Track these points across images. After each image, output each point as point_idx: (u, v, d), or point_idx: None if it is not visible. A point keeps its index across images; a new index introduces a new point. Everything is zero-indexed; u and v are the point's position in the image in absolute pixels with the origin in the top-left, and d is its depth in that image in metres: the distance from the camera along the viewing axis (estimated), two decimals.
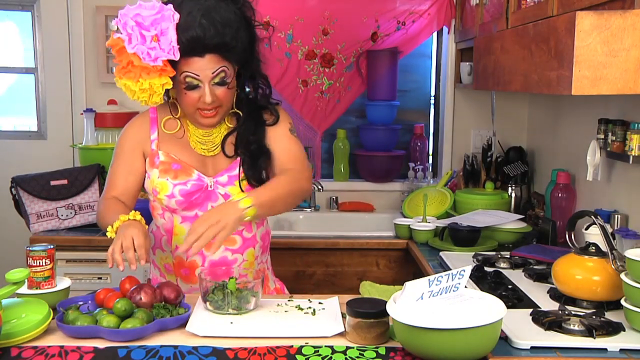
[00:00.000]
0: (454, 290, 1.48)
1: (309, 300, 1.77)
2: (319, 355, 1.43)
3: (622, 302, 1.57)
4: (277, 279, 2.07)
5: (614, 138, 2.21)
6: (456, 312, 1.39)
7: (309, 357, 1.42)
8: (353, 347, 1.47)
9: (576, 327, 1.54)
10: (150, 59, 1.66)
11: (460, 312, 1.39)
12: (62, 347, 1.45)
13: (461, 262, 2.25)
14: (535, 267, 2.20)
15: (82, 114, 3.24)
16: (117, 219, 1.67)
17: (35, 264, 1.66)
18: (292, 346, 1.46)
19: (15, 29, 3.56)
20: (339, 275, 2.88)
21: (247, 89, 1.87)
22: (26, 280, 1.61)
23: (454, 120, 3.45)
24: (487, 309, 1.41)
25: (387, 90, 3.42)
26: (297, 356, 1.43)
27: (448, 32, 3.40)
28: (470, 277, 1.89)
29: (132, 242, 1.59)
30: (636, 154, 2.06)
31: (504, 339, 1.51)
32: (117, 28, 1.69)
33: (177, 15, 1.67)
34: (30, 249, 1.68)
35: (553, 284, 1.86)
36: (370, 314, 1.48)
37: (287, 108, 3.34)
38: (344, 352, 1.45)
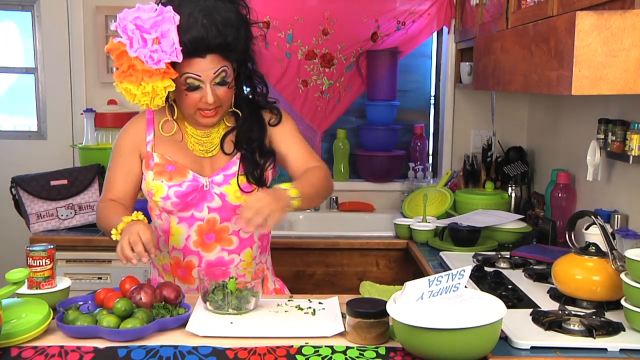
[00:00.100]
0: (454, 290, 1.48)
1: (309, 300, 1.77)
2: (319, 355, 1.43)
3: (622, 302, 1.57)
4: (278, 279, 2.07)
5: (614, 138, 2.21)
6: (456, 312, 1.39)
7: (309, 357, 1.42)
8: (353, 347, 1.47)
9: (576, 327, 1.54)
10: (153, 62, 1.65)
11: (460, 312, 1.39)
12: (62, 347, 1.45)
13: (461, 262, 2.25)
14: (535, 267, 2.20)
15: (82, 114, 3.25)
16: (119, 222, 1.67)
17: (35, 264, 1.66)
18: (292, 346, 1.46)
19: (15, 29, 3.56)
20: (339, 275, 2.89)
21: (247, 88, 1.87)
22: (26, 280, 1.61)
23: (454, 120, 3.45)
24: (487, 309, 1.41)
25: (387, 90, 3.42)
26: (297, 356, 1.43)
27: (448, 32, 3.40)
28: (470, 277, 1.89)
29: (139, 236, 1.60)
30: (636, 154, 2.06)
31: (504, 339, 1.51)
32: (117, 32, 1.68)
33: (177, 17, 1.67)
34: (30, 249, 1.68)
35: (553, 284, 1.86)
36: (370, 314, 1.48)
37: (287, 108, 3.35)
38: (344, 352, 1.45)
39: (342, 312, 1.62)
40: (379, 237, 2.93)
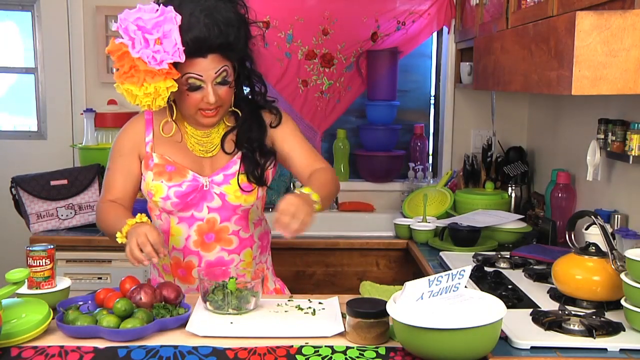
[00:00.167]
0: (454, 290, 1.48)
1: (309, 300, 1.77)
2: (319, 355, 1.43)
3: (622, 302, 1.57)
4: (278, 279, 2.07)
5: (614, 138, 2.21)
6: (456, 312, 1.39)
7: (309, 357, 1.42)
8: (353, 347, 1.47)
9: (576, 327, 1.54)
10: (155, 63, 1.65)
11: (460, 312, 1.39)
12: (62, 347, 1.46)
13: (461, 262, 2.25)
14: (535, 267, 2.20)
15: (82, 114, 3.25)
16: (123, 224, 1.68)
17: (35, 264, 1.66)
18: (292, 346, 1.46)
19: (15, 29, 3.56)
20: (339, 275, 2.89)
21: (247, 88, 1.88)
22: (26, 280, 1.61)
23: (454, 120, 3.45)
24: (487, 309, 1.41)
25: (387, 90, 3.42)
26: (297, 356, 1.43)
27: (448, 32, 3.40)
28: (470, 277, 1.89)
29: (146, 237, 1.60)
30: (636, 154, 2.06)
31: (504, 339, 1.51)
32: (119, 33, 1.68)
33: (179, 17, 1.67)
34: (30, 249, 1.68)
35: (553, 284, 1.86)
36: (370, 314, 1.48)
37: (287, 108, 3.35)
38: (344, 352, 1.45)
39: (342, 312, 1.62)
40: (379, 237, 2.93)
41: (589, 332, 1.52)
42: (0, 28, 3.57)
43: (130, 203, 1.87)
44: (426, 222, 2.84)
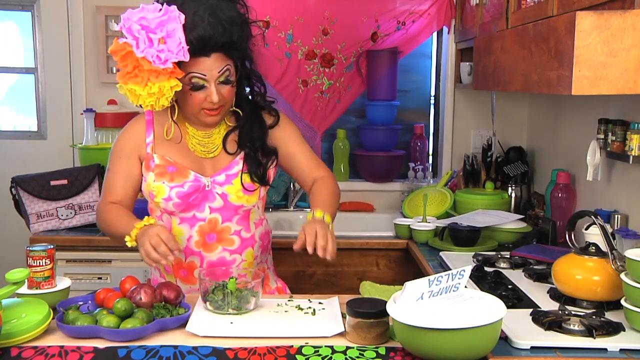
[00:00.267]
0: (454, 290, 1.48)
1: (309, 300, 1.77)
2: (319, 355, 1.43)
3: (622, 302, 1.57)
4: (279, 279, 2.07)
5: (614, 138, 2.21)
6: (456, 312, 1.39)
7: (309, 357, 1.42)
8: (353, 347, 1.47)
9: (576, 327, 1.54)
10: (160, 62, 1.65)
11: (460, 312, 1.39)
12: (62, 347, 1.46)
13: (461, 262, 2.25)
14: (535, 267, 2.20)
15: (82, 114, 3.24)
16: (129, 227, 1.70)
17: (35, 264, 1.66)
18: (292, 346, 1.46)
19: (15, 29, 3.56)
20: (339, 275, 2.88)
21: (247, 88, 1.88)
22: (26, 280, 1.61)
23: (454, 120, 3.45)
24: (487, 309, 1.41)
25: (387, 90, 3.42)
26: (297, 356, 1.43)
27: (448, 32, 3.39)
28: (470, 277, 1.89)
29: (159, 237, 1.62)
30: (636, 154, 2.06)
31: (504, 339, 1.51)
32: (122, 33, 1.68)
33: (182, 16, 1.67)
34: (30, 249, 1.68)
35: (553, 284, 1.86)
36: (370, 314, 1.48)
37: (287, 108, 3.35)
38: (344, 352, 1.45)
39: (342, 312, 1.62)
40: (379, 237, 2.92)
41: (589, 332, 1.52)
42: (0, 28, 3.56)
43: (131, 205, 1.88)
44: (426, 222, 2.84)
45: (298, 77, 3.39)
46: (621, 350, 1.48)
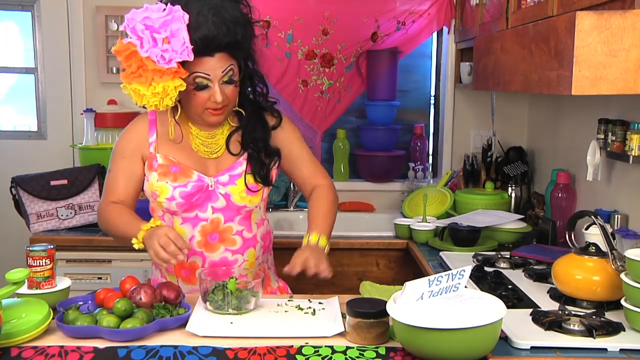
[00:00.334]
0: (454, 290, 1.48)
1: (309, 300, 1.77)
2: (319, 355, 1.43)
3: (622, 302, 1.57)
4: (280, 279, 2.07)
5: (614, 138, 2.21)
6: (456, 312, 1.39)
7: (309, 357, 1.42)
8: (353, 347, 1.47)
9: (576, 327, 1.54)
10: (164, 62, 1.65)
11: (460, 312, 1.39)
12: (62, 347, 1.46)
13: (461, 262, 2.25)
14: (535, 267, 2.20)
15: (82, 114, 3.24)
16: (137, 229, 1.70)
17: (35, 264, 1.66)
18: (292, 346, 1.46)
19: (15, 29, 3.56)
20: (339, 275, 2.88)
21: (249, 88, 1.89)
22: (26, 280, 1.61)
23: (454, 120, 3.45)
24: (487, 309, 1.41)
25: (387, 90, 3.42)
26: (297, 356, 1.43)
27: (448, 32, 3.39)
28: (470, 277, 1.89)
29: (168, 237, 1.64)
30: (636, 154, 2.06)
31: (504, 339, 1.51)
32: (126, 33, 1.67)
33: (186, 16, 1.67)
34: (30, 249, 1.68)
35: (553, 284, 1.86)
36: (370, 314, 1.48)
37: (287, 108, 3.35)
38: (344, 352, 1.45)
39: (342, 312, 1.62)
40: (379, 237, 2.92)
41: (589, 332, 1.52)
42: (0, 28, 3.56)
43: (133, 205, 1.88)
44: (426, 222, 2.84)
45: (298, 77, 3.39)
46: (621, 350, 1.48)
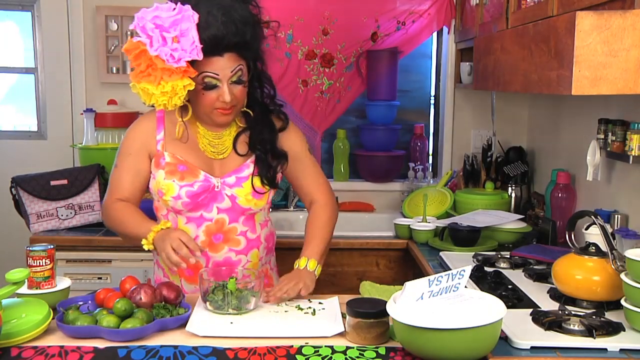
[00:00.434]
0: (454, 290, 1.48)
1: (309, 300, 1.77)
2: (319, 355, 1.43)
3: (622, 302, 1.57)
4: None
5: (614, 138, 2.21)
6: (456, 312, 1.39)
7: (309, 357, 1.42)
8: (353, 347, 1.47)
9: (576, 327, 1.54)
10: (174, 61, 1.65)
11: (460, 312, 1.39)
12: (62, 347, 1.46)
13: (461, 262, 2.25)
14: (535, 267, 2.20)
15: (82, 114, 3.24)
16: (147, 230, 1.71)
17: (35, 264, 1.66)
18: (292, 346, 1.46)
19: (15, 29, 3.56)
20: (339, 275, 2.88)
21: (257, 89, 1.89)
22: (26, 280, 1.61)
23: (454, 120, 3.45)
24: (487, 309, 1.41)
25: (387, 90, 3.42)
26: (297, 356, 1.43)
27: (448, 32, 3.39)
28: (470, 277, 1.89)
29: (180, 240, 1.64)
30: (636, 154, 2.06)
31: (504, 339, 1.51)
32: (136, 32, 1.67)
33: (196, 15, 1.67)
34: (30, 249, 1.68)
35: (553, 284, 1.86)
36: (370, 314, 1.48)
37: (287, 108, 3.34)
38: (344, 352, 1.45)
39: (342, 312, 1.62)
40: (379, 237, 2.92)
41: (589, 332, 1.52)
42: (0, 28, 3.56)
43: (138, 202, 1.88)
44: (426, 222, 2.84)
45: (298, 77, 3.39)
46: (621, 350, 1.48)
